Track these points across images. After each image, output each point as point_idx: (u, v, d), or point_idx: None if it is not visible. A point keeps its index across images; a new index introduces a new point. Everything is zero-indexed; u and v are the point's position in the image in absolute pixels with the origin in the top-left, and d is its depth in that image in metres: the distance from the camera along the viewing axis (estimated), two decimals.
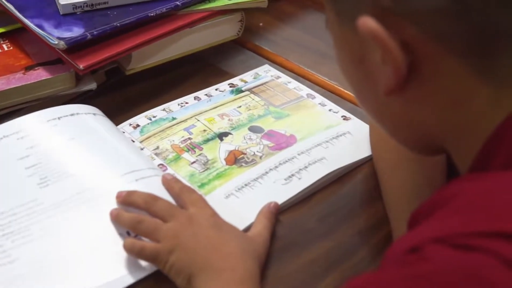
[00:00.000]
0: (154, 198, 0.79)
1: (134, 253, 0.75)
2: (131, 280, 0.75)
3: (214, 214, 0.79)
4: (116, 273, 0.76)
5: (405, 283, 0.50)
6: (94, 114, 0.94)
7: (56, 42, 0.94)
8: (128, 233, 0.78)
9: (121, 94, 1.04)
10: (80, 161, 0.86)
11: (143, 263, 0.76)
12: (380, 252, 0.79)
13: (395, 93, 0.59)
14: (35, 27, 0.97)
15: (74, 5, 1.00)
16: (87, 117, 0.93)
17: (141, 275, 0.76)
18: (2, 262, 0.75)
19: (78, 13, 1.00)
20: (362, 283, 0.54)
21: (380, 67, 0.59)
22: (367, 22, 0.56)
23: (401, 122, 0.65)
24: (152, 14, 1.01)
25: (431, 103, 0.60)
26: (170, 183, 0.83)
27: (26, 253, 0.76)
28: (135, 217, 0.77)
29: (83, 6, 1.00)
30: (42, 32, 0.96)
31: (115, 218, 0.78)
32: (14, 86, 0.95)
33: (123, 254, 0.76)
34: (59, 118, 0.91)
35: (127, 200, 0.80)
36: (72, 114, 0.92)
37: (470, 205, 0.54)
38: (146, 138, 0.95)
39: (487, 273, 0.48)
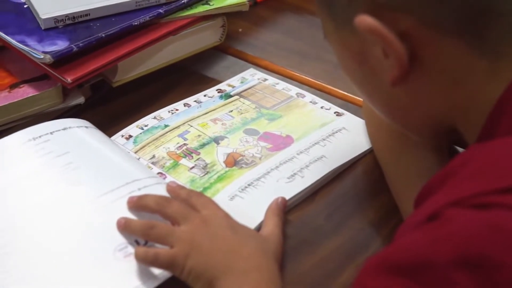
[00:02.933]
0: (167, 200, 0.77)
1: (148, 261, 0.72)
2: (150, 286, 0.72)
3: (227, 216, 0.77)
4: (127, 285, 0.73)
5: (434, 245, 0.52)
6: (86, 127, 0.92)
7: (42, 57, 0.92)
8: (137, 242, 0.76)
9: (110, 107, 1.02)
10: (78, 175, 0.83)
11: (156, 271, 0.73)
12: None
13: (400, 83, 0.63)
14: (18, 44, 0.95)
15: (56, 19, 0.98)
16: (79, 130, 0.90)
17: (154, 284, 0.73)
18: None
19: (60, 26, 0.98)
20: (389, 254, 0.54)
21: (382, 61, 0.62)
22: (365, 19, 0.60)
23: (411, 111, 0.68)
24: (136, 23, 1.00)
25: (435, 86, 0.63)
26: (175, 190, 0.80)
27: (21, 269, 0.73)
28: (147, 223, 0.75)
29: (65, 19, 0.98)
30: (26, 48, 0.94)
31: (124, 227, 0.75)
32: (0, 105, 0.92)
33: (132, 265, 0.73)
34: (51, 133, 0.88)
35: (139, 204, 0.77)
36: (64, 128, 0.90)
37: (480, 169, 0.56)
38: (141, 148, 0.93)
39: (507, 224, 0.50)
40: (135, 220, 0.76)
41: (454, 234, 0.51)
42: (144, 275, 0.73)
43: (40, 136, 0.88)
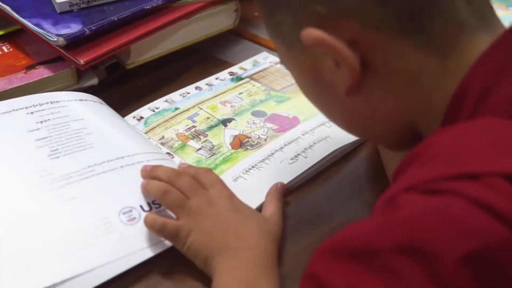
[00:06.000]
0: (177, 174, 0.79)
1: (155, 229, 0.75)
2: (149, 253, 0.75)
3: (232, 196, 0.79)
4: (133, 246, 0.75)
5: (380, 230, 0.52)
6: (100, 103, 0.95)
7: (55, 39, 0.95)
8: (142, 208, 0.78)
9: (123, 89, 1.05)
10: (91, 139, 0.86)
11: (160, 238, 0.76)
12: None
13: (356, 92, 0.63)
14: (34, 27, 0.98)
15: (71, 3, 1.01)
16: (94, 104, 0.94)
17: (159, 249, 0.76)
18: None
19: (74, 10, 1.01)
20: (337, 239, 0.55)
21: (336, 72, 0.62)
22: (311, 32, 0.60)
23: (371, 119, 0.68)
24: (148, 7, 1.02)
25: (390, 90, 0.63)
26: (184, 168, 0.83)
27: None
28: (164, 186, 0.77)
29: (79, 3, 1.01)
30: (41, 31, 0.97)
31: (144, 186, 0.79)
32: (16, 85, 0.96)
33: (134, 228, 0.76)
34: (68, 101, 0.92)
35: (151, 174, 0.80)
36: (81, 100, 0.93)
37: (437, 154, 0.56)
38: (151, 129, 0.96)
39: (455, 212, 0.50)
40: (154, 181, 0.79)
41: (401, 220, 0.51)
42: (148, 240, 0.76)
43: (57, 101, 0.91)
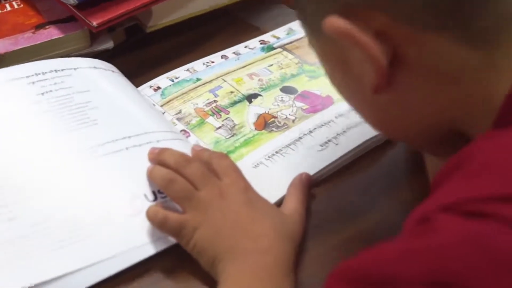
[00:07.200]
0: (187, 160, 0.70)
1: (156, 222, 0.67)
2: (151, 251, 0.67)
3: (247, 188, 0.69)
4: (135, 241, 0.67)
5: (405, 258, 0.44)
6: (112, 71, 0.86)
7: None
8: (147, 197, 0.69)
9: (141, 54, 0.96)
10: (96, 115, 0.77)
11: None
12: None
13: (385, 90, 0.54)
14: None
15: None
16: (105, 73, 0.84)
17: (163, 245, 0.67)
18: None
19: None
20: (356, 263, 0.47)
21: (364, 65, 0.54)
22: (333, 22, 0.52)
23: (404, 120, 0.59)
24: None
25: (427, 88, 0.54)
26: (198, 152, 0.74)
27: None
28: (169, 175, 0.68)
29: None
30: None
31: (149, 173, 0.70)
32: (22, 46, 0.87)
33: (137, 220, 0.67)
34: (74, 69, 0.83)
35: (158, 158, 0.71)
36: (89, 67, 0.84)
37: (482, 167, 0.48)
38: (168, 102, 0.87)
39: (501, 245, 0.42)
40: (159, 168, 0.70)
41: (433, 248, 0.43)
42: (151, 235, 0.67)
43: (62, 70, 0.82)
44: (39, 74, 0.79)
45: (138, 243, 0.66)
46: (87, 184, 0.70)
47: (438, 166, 0.68)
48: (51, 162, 0.71)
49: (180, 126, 0.83)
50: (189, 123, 0.83)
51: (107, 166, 0.71)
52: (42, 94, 0.77)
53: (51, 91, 0.78)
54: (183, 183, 0.68)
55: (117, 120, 0.77)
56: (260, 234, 0.65)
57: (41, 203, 0.67)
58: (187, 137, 0.81)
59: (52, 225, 0.66)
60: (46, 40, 0.88)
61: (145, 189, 0.70)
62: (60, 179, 0.69)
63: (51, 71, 0.80)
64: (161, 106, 0.86)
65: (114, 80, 0.84)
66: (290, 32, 0.99)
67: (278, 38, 0.98)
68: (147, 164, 0.71)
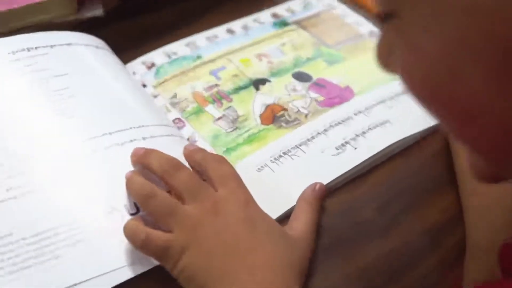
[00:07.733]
0: (175, 166, 0.59)
1: (136, 242, 0.56)
2: (129, 274, 0.56)
3: (248, 202, 0.58)
4: (108, 264, 0.56)
5: None
6: (96, 47, 0.74)
7: None
8: (137, 209, 0.58)
9: (135, 24, 0.83)
10: (73, 105, 0.65)
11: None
12: (456, 260, 0.59)
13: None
14: None
15: None
16: (86, 50, 0.72)
17: (144, 267, 0.56)
18: None
19: None
20: None
21: None
22: None
23: None
24: None
25: None
26: (190, 153, 0.62)
27: None
28: (148, 188, 0.57)
29: None
30: None
31: (126, 182, 0.59)
32: None
33: (116, 236, 0.56)
34: (51, 46, 0.70)
35: (142, 161, 0.60)
36: (68, 44, 0.72)
37: None
38: (162, 82, 0.75)
39: None
40: (137, 179, 0.59)
41: None
42: (130, 255, 0.56)
43: (36, 48, 0.70)
44: (9, 53, 0.67)
45: (114, 266, 0.55)
46: (57, 194, 0.58)
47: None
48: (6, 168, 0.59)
49: (174, 113, 0.71)
50: (184, 110, 0.72)
51: (81, 170, 0.60)
52: (10, 78, 0.65)
53: (24, 73, 0.66)
54: (164, 198, 0.56)
55: (97, 113, 0.65)
56: (260, 265, 0.54)
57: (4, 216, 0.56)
58: (181, 127, 0.69)
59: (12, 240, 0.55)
60: (25, 4, 0.76)
61: (126, 199, 0.58)
62: (29, 188, 0.58)
63: (23, 50, 0.68)
64: (154, 87, 0.74)
65: (99, 58, 0.72)
66: (307, 5, 0.87)
67: (293, 12, 0.86)
68: (130, 168, 0.60)
